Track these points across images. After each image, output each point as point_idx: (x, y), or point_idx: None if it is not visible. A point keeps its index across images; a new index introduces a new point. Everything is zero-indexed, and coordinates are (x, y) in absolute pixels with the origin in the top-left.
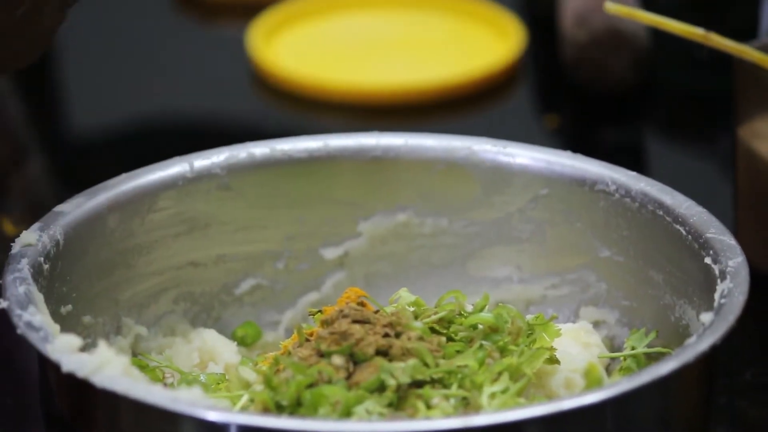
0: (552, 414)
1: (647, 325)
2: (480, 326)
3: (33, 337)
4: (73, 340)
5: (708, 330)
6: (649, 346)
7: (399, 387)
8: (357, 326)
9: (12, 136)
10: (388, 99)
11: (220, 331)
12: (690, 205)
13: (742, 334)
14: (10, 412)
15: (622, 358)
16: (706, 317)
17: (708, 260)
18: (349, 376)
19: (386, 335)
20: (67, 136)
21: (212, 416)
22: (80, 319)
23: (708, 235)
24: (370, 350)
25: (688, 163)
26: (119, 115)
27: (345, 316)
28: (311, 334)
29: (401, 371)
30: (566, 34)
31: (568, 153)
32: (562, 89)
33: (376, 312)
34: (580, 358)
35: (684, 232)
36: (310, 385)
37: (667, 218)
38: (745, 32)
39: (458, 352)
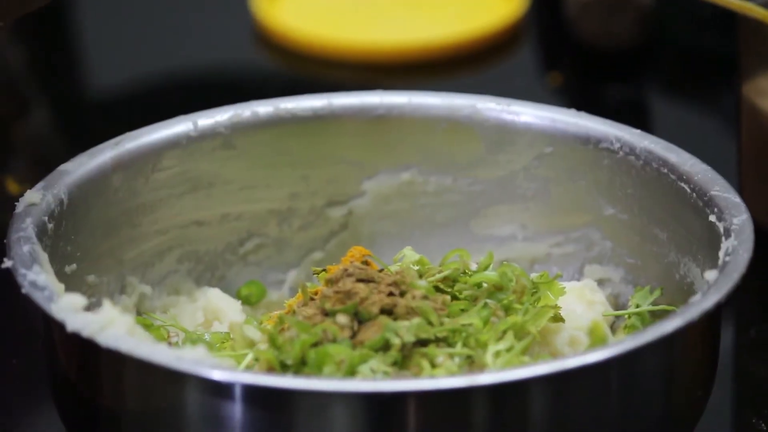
0: (557, 372)
1: (652, 282)
2: (484, 285)
3: (37, 297)
4: (78, 300)
5: (712, 288)
6: (653, 303)
7: (404, 346)
8: (361, 285)
9: (13, 87)
10: (391, 57)
11: (225, 290)
12: (694, 162)
13: (746, 292)
14: (15, 372)
15: (626, 316)
16: (711, 275)
17: (712, 218)
18: (353, 335)
19: (391, 294)
20: (70, 92)
21: (217, 375)
22: (85, 279)
23: (712, 192)
24: (375, 309)
25: (692, 120)
26: (122, 73)
27: (349, 275)
28: (316, 293)
29: (406, 330)
30: None
31: (572, 111)
32: (565, 47)
33: (381, 271)
34: (585, 317)
35: (688, 190)
36: (315, 344)
37: (672, 176)
38: None
39: (463, 310)
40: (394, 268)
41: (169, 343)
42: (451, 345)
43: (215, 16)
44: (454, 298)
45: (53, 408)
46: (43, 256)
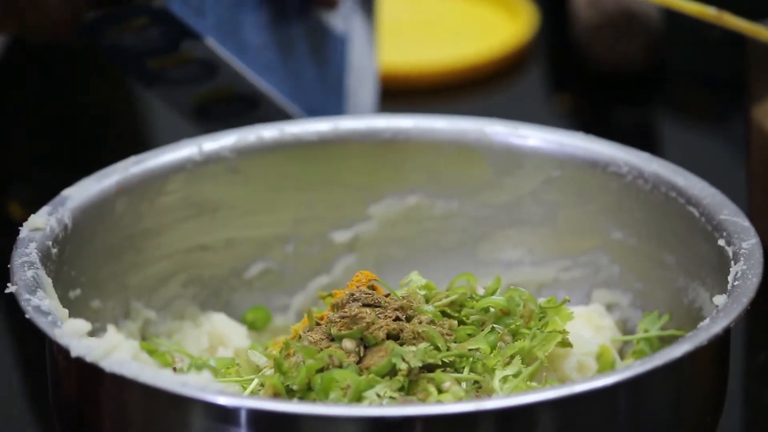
0: (565, 397)
1: (660, 307)
2: (492, 309)
3: (41, 322)
4: (82, 325)
5: (721, 312)
6: (662, 328)
7: (410, 371)
8: (367, 310)
9: None
10: (398, 81)
11: (230, 315)
12: (703, 186)
13: (755, 317)
14: (19, 398)
15: (635, 341)
16: (720, 299)
17: (721, 242)
18: (359, 360)
19: (397, 319)
20: (75, 115)
21: (222, 401)
22: (89, 304)
23: (721, 216)
24: (381, 334)
25: (701, 144)
26: (125, 97)
27: (355, 300)
28: (321, 318)
29: (412, 355)
30: (579, 15)
31: (581, 134)
32: (574, 70)
33: (387, 295)
34: (593, 342)
35: (697, 214)
36: (321, 370)
37: (680, 200)
38: (759, 12)
39: (470, 335)
40: (400, 292)
41: (174, 369)
42: (458, 370)
43: None
44: (461, 322)
45: None
46: (47, 281)
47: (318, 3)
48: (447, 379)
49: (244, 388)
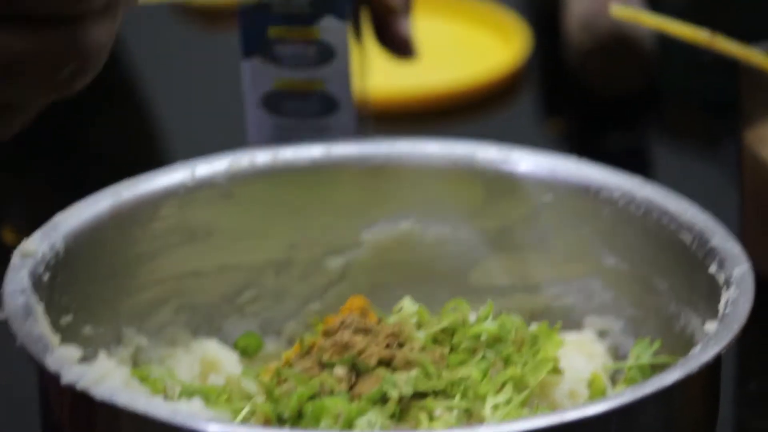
0: (556, 425)
1: (652, 334)
2: (483, 336)
3: (32, 349)
4: (73, 352)
5: (713, 339)
6: (653, 355)
7: (401, 398)
8: (359, 336)
9: None
10: (391, 105)
11: (222, 342)
12: (695, 211)
13: (747, 343)
14: (10, 424)
15: (626, 368)
16: (711, 326)
17: (713, 268)
18: (351, 388)
19: (388, 346)
20: (68, 140)
21: (213, 428)
22: (80, 330)
23: (713, 242)
24: (373, 361)
25: (694, 168)
26: (120, 120)
27: (347, 327)
28: (313, 345)
29: (404, 382)
30: (571, 38)
31: (573, 159)
32: (566, 94)
33: (379, 322)
34: (585, 369)
35: (689, 240)
36: (312, 397)
37: (672, 225)
38: (751, 35)
39: (461, 362)
40: (392, 319)
41: (166, 396)
42: (449, 397)
43: (213, 65)
44: (453, 349)
45: None
46: (39, 308)
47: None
48: (438, 407)
49: (236, 416)
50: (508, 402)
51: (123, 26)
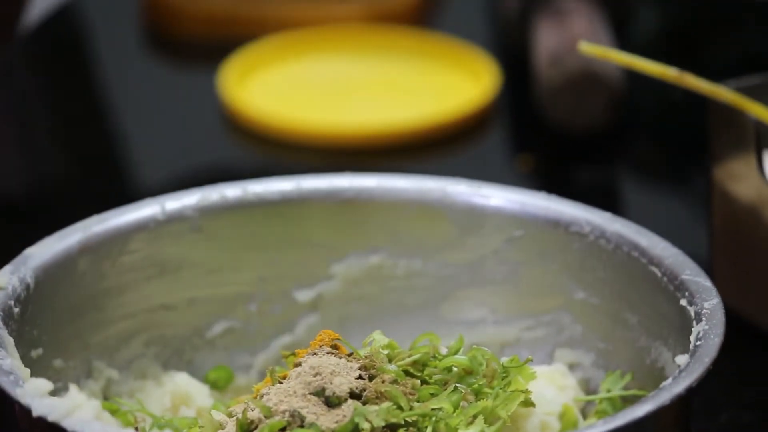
0: None
1: (623, 367)
2: (454, 369)
3: (3, 381)
4: (44, 384)
5: (683, 372)
6: (624, 388)
7: (373, 430)
8: (332, 359)
9: None
10: (361, 140)
11: (192, 375)
12: (665, 246)
13: (717, 377)
14: None
15: (597, 401)
16: (682, 359)
17: (683, 302)
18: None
19: (360, 377)
20: (32, 176)
21: None
22: (51, 363)
23: (683, 276)
24: (344, 392)
25: (663, 204)
26: (87, 155)
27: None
28: (284, 377)
29: (375, 414)
30: (540, 74)
31: (543, 194)
32: (536, 130)
33: (350, 355)
34: (556, 401)
35: (659, 274)
36: (283, 429)
37: (642, 260)
38: (720, 72)
39: (432, 394)
40: (363, 351)
41: (136, 429)
42: (420, 429)
43: (183, 98)
44: (424, 382)
45: None
46: (9, 341)
47: None
48: None
49: None
50: None
51: (96, 59)
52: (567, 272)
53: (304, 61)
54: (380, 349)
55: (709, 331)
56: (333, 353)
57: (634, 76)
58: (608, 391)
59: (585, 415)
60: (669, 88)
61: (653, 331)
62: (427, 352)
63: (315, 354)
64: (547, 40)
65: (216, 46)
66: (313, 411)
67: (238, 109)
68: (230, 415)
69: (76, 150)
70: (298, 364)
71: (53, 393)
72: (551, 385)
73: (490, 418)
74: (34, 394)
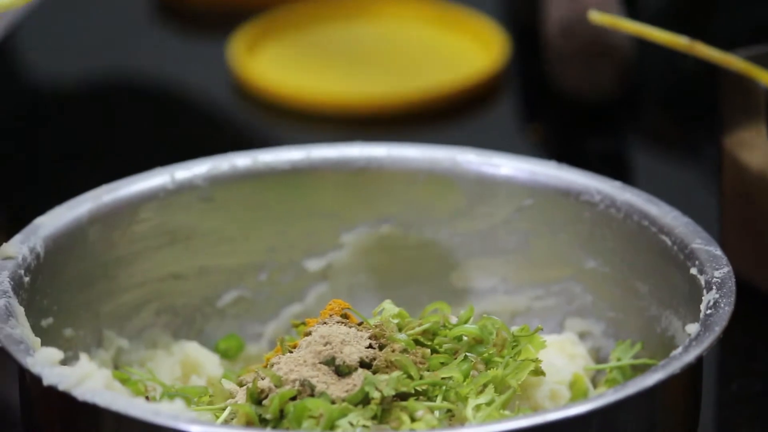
0: (537, 426)
1: (633, 336)
2: (465, 338)
3: (14, 350)
4: (54, 353)
5: (694, 341)
6: (634, 357)
7: (383, 399)
8: (342, 328)
9: None
10: (371, 110)
11: (203, 344)
12: (675, 215)
13: (728, 345)
14: None
15: (607, 370)
16: (692, 328)
17: (694, 271)
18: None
19: (370, 347)
20: (45, 145)
21: (195, 429)
22: (61, 332)
23: (694, 245)
24: (354, 362)
25: (674, 173)
26: (97, 125)
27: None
28: (294, 346)
29: (385, 383)
30: (551, 44)
31: (553, 163)
32: (546, 99)
33: (360, 324)
34: (566, 370)
35: (669, 243)
36: (293, 398)
37: (653, 229)
38: (731, 41)
39: (443, 364)
40: (373, 321)
41: (147, 398)
42: (431, 399)
43: (194, 68)
44: (434, 351)
45: None
46: (20, 310)
47: None
48: (420, 408)
49: (217, 417)
50: (489, 403)
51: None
52: (577, 241)
53: (314, 31)
54: (390, 319)
55: (719, 299)
56: (343, 322)
57: (644, 45)
58: (618, 360)
59: (595, 384)
60: (680, 57)
61: (664, 300)
62: (437, 322)
63: (325, 323)
64: (557, 9)
65: (226, 15)
66: (323, 380)
67: (248, 79)
68: (240, 384)
69: (82, 118)
70: (308, 334)
71: (63, 362)
72: (561, 354)
73: (500, 387)
74: (45, 363)
